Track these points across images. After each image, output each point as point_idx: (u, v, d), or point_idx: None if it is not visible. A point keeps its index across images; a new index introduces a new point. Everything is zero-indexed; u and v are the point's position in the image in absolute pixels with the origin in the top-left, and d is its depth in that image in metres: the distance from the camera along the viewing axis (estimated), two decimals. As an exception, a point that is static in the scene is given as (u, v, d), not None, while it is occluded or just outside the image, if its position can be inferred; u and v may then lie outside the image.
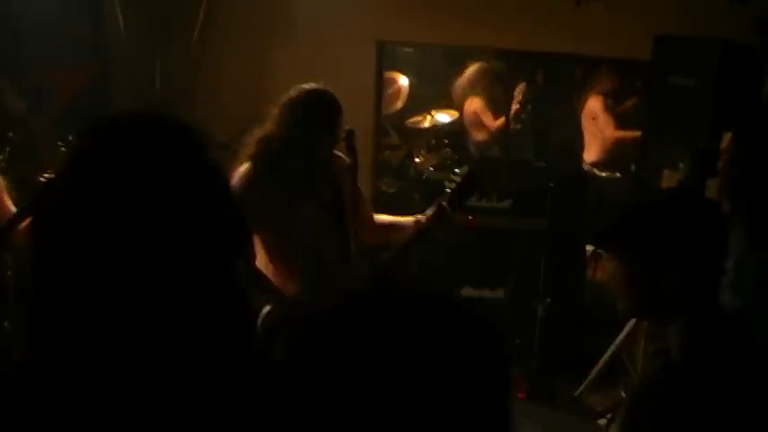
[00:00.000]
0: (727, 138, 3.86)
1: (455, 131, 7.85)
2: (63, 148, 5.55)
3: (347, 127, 3.91)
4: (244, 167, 3.91)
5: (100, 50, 6.99)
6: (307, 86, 3.91)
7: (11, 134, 5.66)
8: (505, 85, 7.85)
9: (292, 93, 3.91)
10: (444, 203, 4.00)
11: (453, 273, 6.17)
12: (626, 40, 6.16)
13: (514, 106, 7.72)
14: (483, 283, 6.15)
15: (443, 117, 7.84)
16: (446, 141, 7.61)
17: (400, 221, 4.26)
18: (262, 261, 3.98)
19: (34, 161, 5.72)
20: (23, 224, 3.92)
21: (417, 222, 4.06)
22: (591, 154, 7.38)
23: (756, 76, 5.38)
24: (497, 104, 7.84)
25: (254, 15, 6.86)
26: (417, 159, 7.55)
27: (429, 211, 4.03)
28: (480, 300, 6.03)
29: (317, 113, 3.85)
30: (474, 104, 7.78)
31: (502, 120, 7.73)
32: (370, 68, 6.81)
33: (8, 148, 5.68)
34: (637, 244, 2.22)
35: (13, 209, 4.01)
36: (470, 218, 5.97)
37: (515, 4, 6.40)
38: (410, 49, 8.03)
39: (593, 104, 7.30)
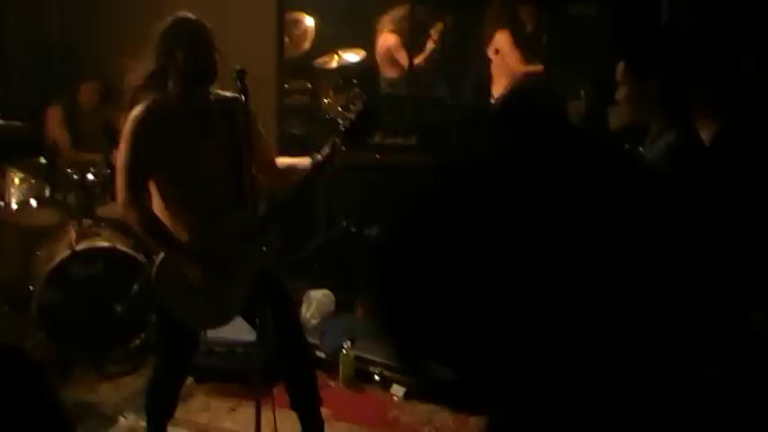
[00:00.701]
0: (620, 68, 3.86)
1: (365, 71, 7.73)
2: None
3: (238, 66, 3.78)
4: (134, 110, 3.78)
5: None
6: (178, 15, 3.80)
7: None
8: (421, 24, 7.74)
9: (160, 24, 3.79)
10: (338, 140, 3.92)
11: (360, 212, 6.13)
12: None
13: (429, 45, 7.63)
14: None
15: (352, 56, 7.72)
16: (354, 81, 7.51)
17: (298, 162, 4.16)
18: (157, 206, 3.88)
19: None
20: None
21: (314, 161, 3.99)
22: (498, 89, 7.32)
23: (655, 2, 5.39)
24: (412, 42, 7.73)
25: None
26: (325, 100, 7.45)
27: (325, 150, 3.94)
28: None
29: (181, 41, 3.72)
30: (388, 41, 7.67)
31: (420, 58, 7.62)
32: (270, 9, 6.67)
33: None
34: None
35: None
36: (377, 156, 5.93)
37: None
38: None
39: (500, 38, 7.21)
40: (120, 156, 3.82)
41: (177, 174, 3.84)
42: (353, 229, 6.02)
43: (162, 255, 3.87)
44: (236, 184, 3.84)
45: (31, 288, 5.44)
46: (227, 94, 3.93)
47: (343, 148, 3.93)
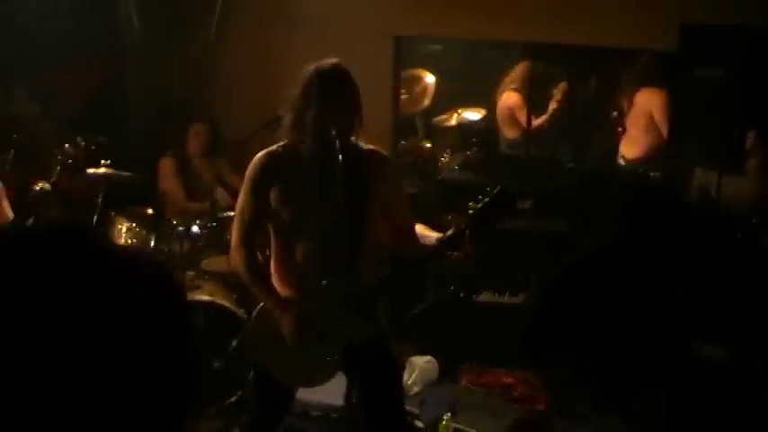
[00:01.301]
0: (751, 136, 3.56)
1: (485, 130, 7.55)
2: (70, 150, 5.46)
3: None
4: (258, 154, 3.74)
5: (114, 50, 6.88)
6: (316, 64, 3.66)
7: (15, 136, 5.55)
8: (545, 83, 7.51)
9: (304, 70, 3.68)
10: (464, 225, 3.64)
11: (470, 277, 5.88)
12: (652, 30, 5.80)
13: (552, 105, 7.37)
14: (502, 289, 5.85)
15: (472, 115, 7.56)
16: (474, 140, 7.33)
17: (427, 236, 3.94)
18: (270, 255, 3.81)
19: (37, 165, 5.63)
20: None
21: (438, 243, 3.70)
22: (636, 150, 6.89)
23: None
24: (535, 102, 7.49)
25: (268, 13, 6.71)
26: (443, 159, 7.28)
27: (449, 232, 3.67)
28: (497, 305, 5.73)
29: (314, 88, 3.57)
30: (510, 99, 7.45)
31: (542, 119, 7.37)
32: (386, 65, 6.57)
33: (12, 151, 5.60)
34: None
35: (11, 214, 3.86)
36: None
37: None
38: (437, 46, 7.76)
39: (650, 98, 6.73)
40: (239, 198, 3.77)
41: (290, 224, 3.70)
42: (462, 294, 5.77)
43: (260, 306, 3.77)
44: (354, 244, 3.65)
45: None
46: (367, 147, 3.77)
47: (469, 233, 3.62)
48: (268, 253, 3.93)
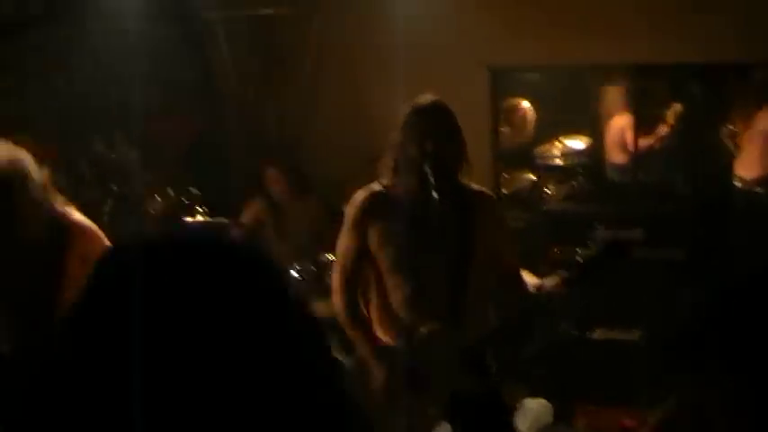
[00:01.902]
0: None
1: (590, 158, 7.27)
2: (161, 202, 5.43)
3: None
4: (358, 193, 3.64)
5: (210, 99, 6.89)
6: (415, 101, 3.56)
7: (114, 187, 5.56)
8: (655, 104, 7.20)
9: (405, 107, 3.57)
10: (568, 276, 3.42)
11: (581, 311, 5.60)
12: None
13: (663, 128, 7.04)
14: (614, 324, 5.54)
15: (575, 143, 7.30)
16: (579, 169, 7.06)
17: (529, 282, 3.69)
18: (372, 296, 3.67)
19: (135, 215, 5.62)
20: None
21: (538, 291, 3.51)
22: (754, 171, 6.50)
23: None
24: (646, 123, 7.16)
25: (363, 50, 6.62)
26: (547, 190, 7.03)
27: (549, 281, 3.47)
28: (612, 342, 5.43)
29: (413, 125, 3.45)
30: (621, 122, 7.15)
31: (651, 140, 7.04)
32: (484, 96, 6.38)
33: (110, 201, 5.60)
34: None
35: None
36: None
37: (634, 14, 5.82)
38: (536, 74, 7.52)
39: None
40: (339, 239, 3.67)
41: (390, 268, 3.53)
42: (575, 333, 5.49)
43: (356, 353, 3.66)
44: (457, 290, 3.45)
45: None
46: (475, 187, 3.60)
47: (572, 286, 3.40)
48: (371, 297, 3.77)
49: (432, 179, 3.35)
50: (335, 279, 3.68)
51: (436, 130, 3.41)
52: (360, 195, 3.60)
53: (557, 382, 5.55)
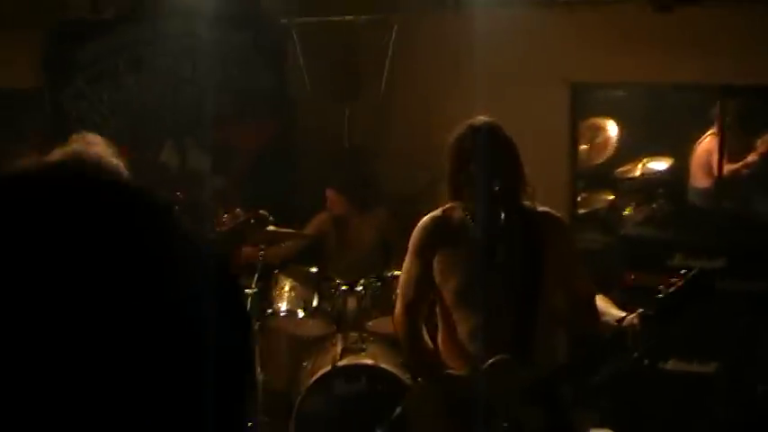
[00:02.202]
0: None
1: (672, 181, 7.00)
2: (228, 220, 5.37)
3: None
4: (424, 219, 3.56)
5: (282, 106, 6.84)
6: (468, 121, 3.43)
7: (179, 194, 5.53)
8: (746, 129, 6.90)
9: (455, 131, 3.44)
10: (649, 313, 3.17)
11: (656, 341, 5.37)
12: None
13: (753, 156, 6.73)
14: (690, 355, 5.29)
15: (658, 164, 7.05)
16: (660, 191, 6.81)
17: (605, 314, 3.45)
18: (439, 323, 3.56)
19: (200, 223, 5.59)
20: None
21: (617, 326, 3.27)
22: None
23: None
24: (734, 148, 6.87)
25: (439, 61, 6.50)
26: (626, 212, 6.80)
27: (630, 318, 3.24)
28: (687, 374, 5.19)
29: (465, 148, 3.32)
30: (710, 145, 6.87)
31: (737, 165, 6.75)
32: (563, 114, 6.19)
33: (176, 208, 5.58)
34: None
35: None
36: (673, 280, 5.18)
37: (726, 34, 5.58)
38: (620, 92, 7.30)
39: None
40: (404, 264, 3.58)
41: (455, 295, 3.40)
42: (646, 362, 5.26)
43: (419, 381, 3.60)
44: (525, 318, 3.28)
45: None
46: (540, 208, 3.45)
47: (650, 325, 3.17)
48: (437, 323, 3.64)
49: (494, 199, 3.23)
50: (398, 304, 3.60)
51: (494, 148, 3.29)
52: (424, 222, 3.51)
53: (625, 413, 5.35)
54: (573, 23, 6.00)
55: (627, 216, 6.77)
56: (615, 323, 3.26)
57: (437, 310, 3.55)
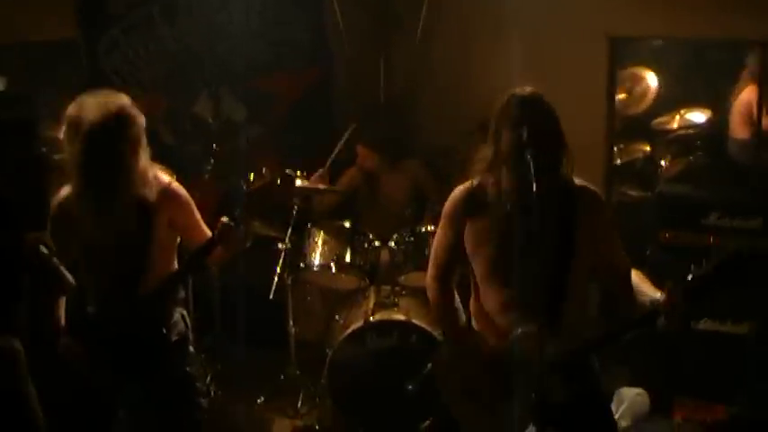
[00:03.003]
0: None
1: (710, 134, 6.90)
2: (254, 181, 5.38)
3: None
4: (457, 189, 3.50)
5: (319, 56, 6.80)
6: (511, 91, 3.30)
7: (215, 147, 5.55)
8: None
9: (497, 102, 3.32)
10: (677, 292, 3.04)
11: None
12: None
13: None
14: (724, 315, 5.25)
15: (696, 116, 6.96)
16: (698, 143, 6.74)
17: (639, 292, 3.33)
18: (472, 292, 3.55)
19: (237, 174, 5.62)
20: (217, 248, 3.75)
21: (651, 307, 3.15)
22: None
23: None
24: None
25: (477, 12, 6.40)
26: (663, 163, 6.74)
27: (659, 297, 3.13)
28: (718, 334, 5.16)
29: (508, 121, 3.22)
30: (751, 95, 6.74)
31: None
32: (602, 66, 6.09)
33: (212, 161, 5.60)
34: None
35: (208, 232, 3.79)
36: (711, 240, 5.14)
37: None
38: (660, 41, 7.17)
39: None
40: (437, 233, 3.59)
41: (486, 267, 3.40)
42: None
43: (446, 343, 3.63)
44: (556, 291, 3.24)
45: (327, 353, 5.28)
46: (578, 182, 3.37)
47: (682, 307, 3.04)
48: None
49: (532, 170, 3.16)
50: (430, 271, 3.61)
51: (535, 119, 3.19)
52: (457, 192, 3.48)
53: (657, 372, 5.35)
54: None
55: (663, 168, 6.70)
56: (648, 304, 3.21)
57: (470, 276, 3.54)
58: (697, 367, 5.20)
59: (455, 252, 3.48)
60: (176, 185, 3.78)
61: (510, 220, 3.27)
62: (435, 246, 3.59)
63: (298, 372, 5.48)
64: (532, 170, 3.12)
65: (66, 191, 3.67)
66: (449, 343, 3.64)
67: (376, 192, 6.08)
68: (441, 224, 3.54)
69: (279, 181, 5.29)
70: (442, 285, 3.55)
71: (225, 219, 3.70)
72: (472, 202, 3.40)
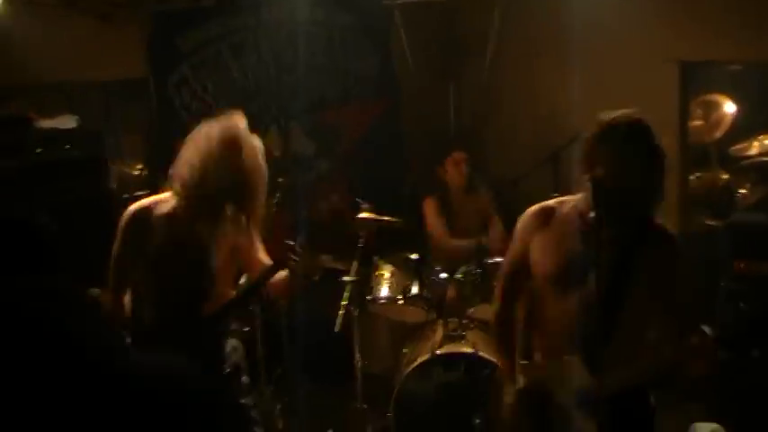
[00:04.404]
0: None
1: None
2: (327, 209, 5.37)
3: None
4: (532, 207, 3.38)
5: (387, 87, 6.82)
6: (607, 115, 3.05)
7: (280, 179, 5.57)
8: None
9: (595, 125, 3.08)
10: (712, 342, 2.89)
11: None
12: None
13: None
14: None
15: (776, 143, 6.76)
16: (778, 172, 6.53)
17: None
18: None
19: (302, 205, 5.63)
20: (276, 277, 3.79)
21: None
22: None
23: None
24: None
25: (546, 39, 6.35)
26: (742, 191, 6.55)
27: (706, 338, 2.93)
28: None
29: (603, 149, 2.98)
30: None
31: None
32: (673, 92, 5.98)
33: (278, 194, 5.63)
34: None
35: (267, 261, 3.82)
36: None
37: None
38: (738, 67, 7.00)
39: None
40: (509, 248, 3.49)
41: (542, 287, 3.31)
42: (755, 354, 5.06)
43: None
44: (606, 330, 3.06)
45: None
46: (656, 222, 3.15)
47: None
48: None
49: (613, 211, 2.96)
50: (497, 287, 3.55)
51: (636, 154, 2.94)
52: (532, 209, 3.37)
53: (733, 407, 5.16)
54: (681, 1, 5.77)
55: (740, 197, 6.52)
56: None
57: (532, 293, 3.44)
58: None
59: (520, 268, 3.38)
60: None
61: (575, 242, 3.15)
62: (505, 262, 3.54)
63: (365, 405, 5.43)
64: (618, 208, 2.98)
65: (147, 201, 3.72)
66: (500, 357, 3.56)
67: (453, 220, 6.05)
68: (512, 240, 3.44)
69: (347, 208, 5.27)
70: (504, 303, 3.46)
71: (289, 242, 3.73)
72: (544, 219, 3.30)
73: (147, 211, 3.67)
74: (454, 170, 6.01)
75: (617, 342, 3.06)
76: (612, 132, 2.97)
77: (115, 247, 3.67)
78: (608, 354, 3.02)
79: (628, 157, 2.93)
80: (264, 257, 3.92)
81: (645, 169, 2.95)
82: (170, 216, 3.63)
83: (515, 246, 3.41)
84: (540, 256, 3.30)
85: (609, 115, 3.03)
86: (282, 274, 3.84)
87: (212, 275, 3.68)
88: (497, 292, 3.53)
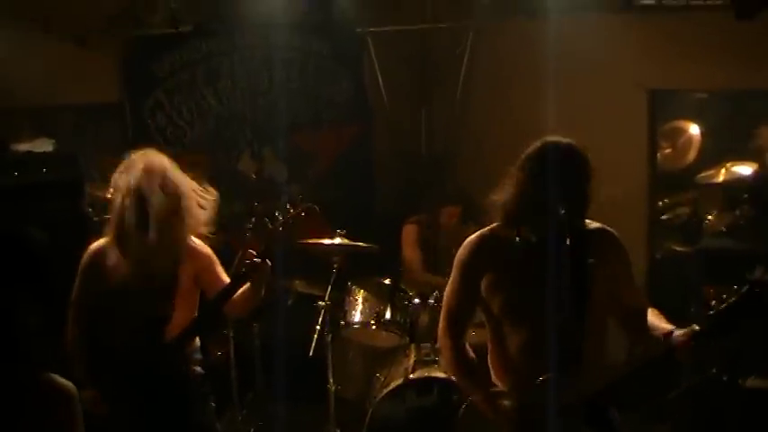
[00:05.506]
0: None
1: (757, 186, 6.81)
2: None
3: None
4: (471, 237, 3.41)
5: (360, 112, 6.87)
6: (545, 139, 3.24)
7: (256, 204, 5.59)
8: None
9: (529, 148, 3.28)
10: (698, 328, 3.02)
11: (736, 357, 5.23)
12: None
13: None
14: (771, 372, 5.14)
15: (743, 169, 6.86)
16: (744, 197, 6.64)
17: (654, 327, 3.27)
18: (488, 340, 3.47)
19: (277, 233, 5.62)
20: (236, 295, 3.85)
21: (665, 341, 3.11)
22: None
23: None
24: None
25: (518, 66, 6.45)
26: (709, 218, 6.65)
27: (680, 334, 3.07)
28: (764, 392, 5.04)
29: (539, 169, 3.16)
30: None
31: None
32: (642, 118, 6.09)
33: (253, 219, 5.65)
34: None
35: (226, 280, 3.88)
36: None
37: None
38: (703, 95, 7.13)
39: None
40: (448, 283, 3.47)
41: (501, 315, 3.33)
42: (725, 378, 5.13)
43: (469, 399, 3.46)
44: (575, 337, 3.10)
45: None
46: (593, 225, 3.35)
47: (702, 342, 3.02)
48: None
49: (566, 224, 3.11)
50: (441, 324, 3.50)
51: (570, 174, 3.13)
52: (472, 240, 3.40)
53: (702, 430, 5.23)
54: (650, 29, 5.88)
55: (709, 222, 6.61)
56: (662, 337, 3.16)
57: (487, 324, 3.45)
58: (742, 426, 5.07)
59: (469, 301, 3.40)
60: (200, 243, 3.92)
61: (526, 266, 3.23)
62: (447, 296, 3.48)
63: (337, 430, 5.44)
64: (558, 223, 3.08)
65: (100, 243, 3.85)
66: (464, 392, 3.55)
67: (428, 249, 6.09)
68: (453, 273, 3.44)
69: (303, 214, 5.27)
70: (455, 338, 3.44)
71: (251, 251, 3.78)
72: (487, 250, 3.33)
73: (102, 253, 3.82)
74: (447, 220, 6.05)
75: (588, 343, 3.12)
76: (545, 152, 3.17)
77: (75, 286, 3.86)
78: (584, 359, 3.09)
79: (573, 172, 3.12)
80: (225, 278, 3.97)
81: (578, 185, 3.15)
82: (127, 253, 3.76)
83: (460, 280, 3.40)
84: (493, 290, 3.33)
85: (542, 140, 3.23)
86: (243, 289, 3.89)
87: (173, 302, 3.78)
88: (447, 331, 3.46)
